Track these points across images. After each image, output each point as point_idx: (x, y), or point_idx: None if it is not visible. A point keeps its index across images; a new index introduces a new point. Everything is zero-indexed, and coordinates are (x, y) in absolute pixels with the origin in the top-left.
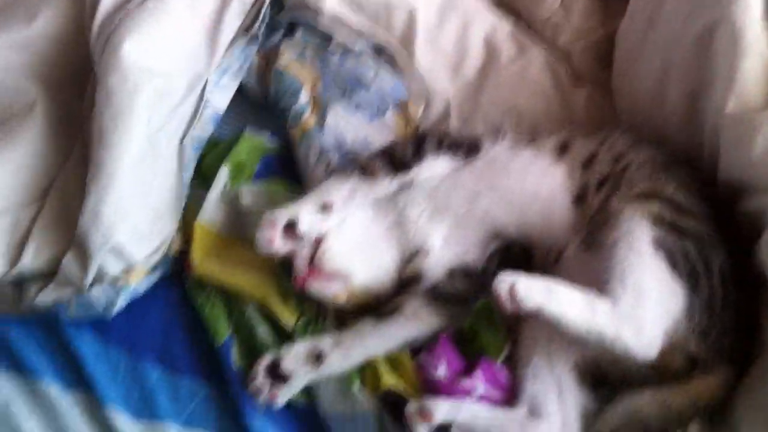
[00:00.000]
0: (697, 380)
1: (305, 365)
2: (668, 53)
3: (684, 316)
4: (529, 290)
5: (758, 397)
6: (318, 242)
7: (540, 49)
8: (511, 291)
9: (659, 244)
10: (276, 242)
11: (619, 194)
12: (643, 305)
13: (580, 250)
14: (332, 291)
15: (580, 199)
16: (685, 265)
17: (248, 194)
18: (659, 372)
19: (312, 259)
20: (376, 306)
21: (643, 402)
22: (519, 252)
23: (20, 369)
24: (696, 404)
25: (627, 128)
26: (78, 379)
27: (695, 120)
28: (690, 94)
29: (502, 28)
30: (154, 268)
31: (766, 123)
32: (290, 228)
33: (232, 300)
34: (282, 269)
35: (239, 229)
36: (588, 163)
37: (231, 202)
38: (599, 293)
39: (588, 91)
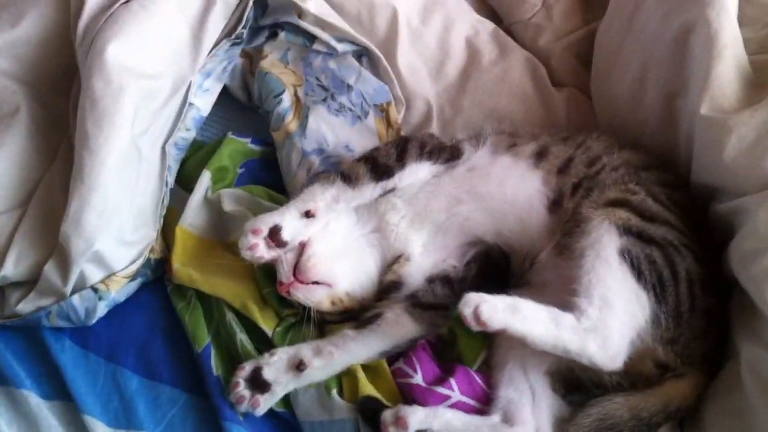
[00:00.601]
0: (668, 384)
1: (287, 373)
2: (646, 54)
3: (651, 325)
4: (494, 311)
5: (728, 402)
6: (302, 248)
7: (521, 50)
8: (476, 312)
9: (626, 254)
10: (260, 249)
11: (590, 200)
12: (608, 317)
13: (553, 255)
14: (316, 297)
15: (556, 204)
16: (651, 274)
17: (230, 199)
18: (631, 378)
19: (296, 266)
20: (358, 312)
21: (615, 407)
22: (497, 258)
23: (0, 378)
24: (667, 408)
25: (605, 130)
26: (57, 387)
27: (672, 121)
28: (667, 95)
29: (484, 29)
30: (135, 275)
31: (739, 126)
32: (274, 234)
33: (212, 306)
34: (262, 275)
35: (221, 234)
36: (564, 168)
37: (213, 206)
38: (567, 302)
39: (568, 92)
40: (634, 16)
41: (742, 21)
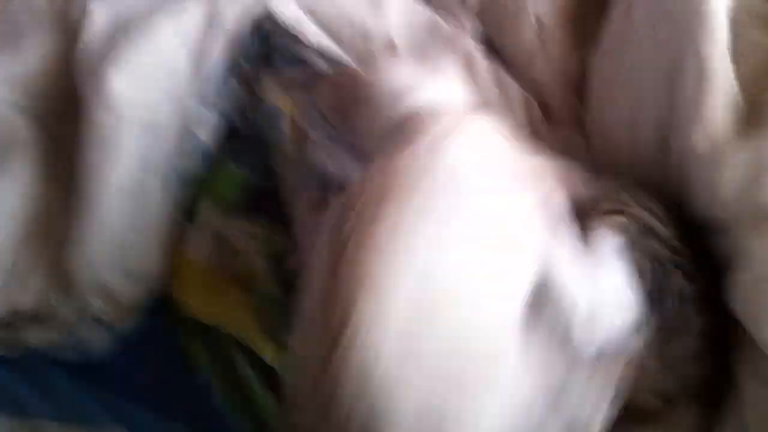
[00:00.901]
0: (667, 417)
1: None
2: (639, 84)
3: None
4: None
5: None
6: None
7: (516, 86)
8: None
9: None
10: None
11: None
12: None
13: None
14: None
15: None
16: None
17: (232, 227)
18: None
19: None
20: None
21: None
22: None
23: (17, 410)
24: None
25: (598, 161)
26: (67, 416)
27: (665, 156)
28: (661, 127)
29: (481, 62)
30: (140, 307)
31: (731, 160)
32: None
33: (220, 339)
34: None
35: (225, 264)
36: None
37: (215, 236)
38: None
39: (561, 128)
40: (627, 47)
41: (733, 56)
